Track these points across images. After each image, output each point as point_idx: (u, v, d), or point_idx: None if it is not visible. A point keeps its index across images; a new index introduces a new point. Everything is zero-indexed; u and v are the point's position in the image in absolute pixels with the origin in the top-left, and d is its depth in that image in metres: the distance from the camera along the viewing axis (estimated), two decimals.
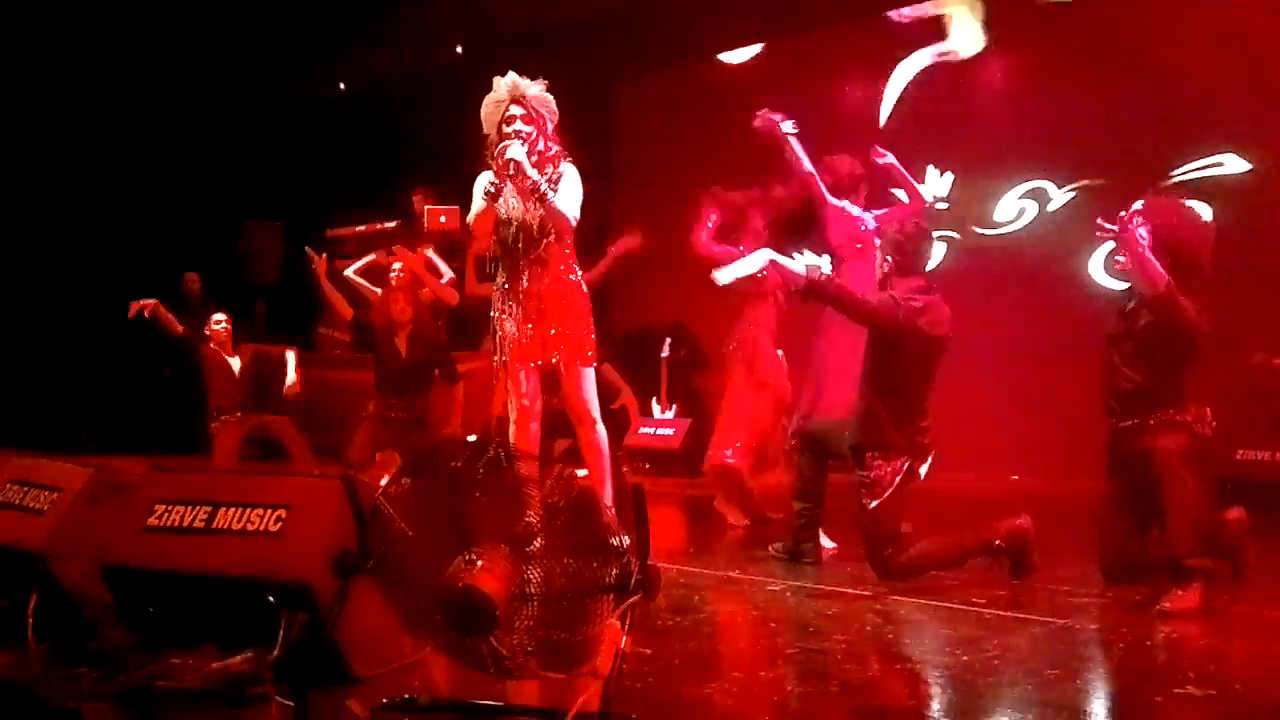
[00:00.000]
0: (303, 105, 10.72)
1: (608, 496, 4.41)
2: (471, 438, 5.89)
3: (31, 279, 9.27)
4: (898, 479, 4.46)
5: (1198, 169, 7.85)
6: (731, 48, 10.81)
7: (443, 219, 8.21)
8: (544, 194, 4.39)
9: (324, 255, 7.13)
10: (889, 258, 4.70)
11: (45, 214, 9.40)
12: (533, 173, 4.37)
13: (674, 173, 10.91)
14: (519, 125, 4.41)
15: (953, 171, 9.03)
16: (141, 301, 7.37)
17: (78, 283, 9.33)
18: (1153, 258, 4.01)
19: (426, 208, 8.59)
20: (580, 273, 4.69)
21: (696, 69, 11.19)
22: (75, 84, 9.46)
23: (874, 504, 4.45)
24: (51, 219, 9.43)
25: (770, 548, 5.12)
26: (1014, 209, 8.88)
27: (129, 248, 8.84)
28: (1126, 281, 4.39)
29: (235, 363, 7.67)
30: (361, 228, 8.95)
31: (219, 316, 7.82)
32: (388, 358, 6.76)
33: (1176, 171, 7.91)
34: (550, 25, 10.49)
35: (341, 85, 11.43)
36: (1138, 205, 4.10)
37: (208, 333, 7.72)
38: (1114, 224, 4.02)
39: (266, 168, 10.32)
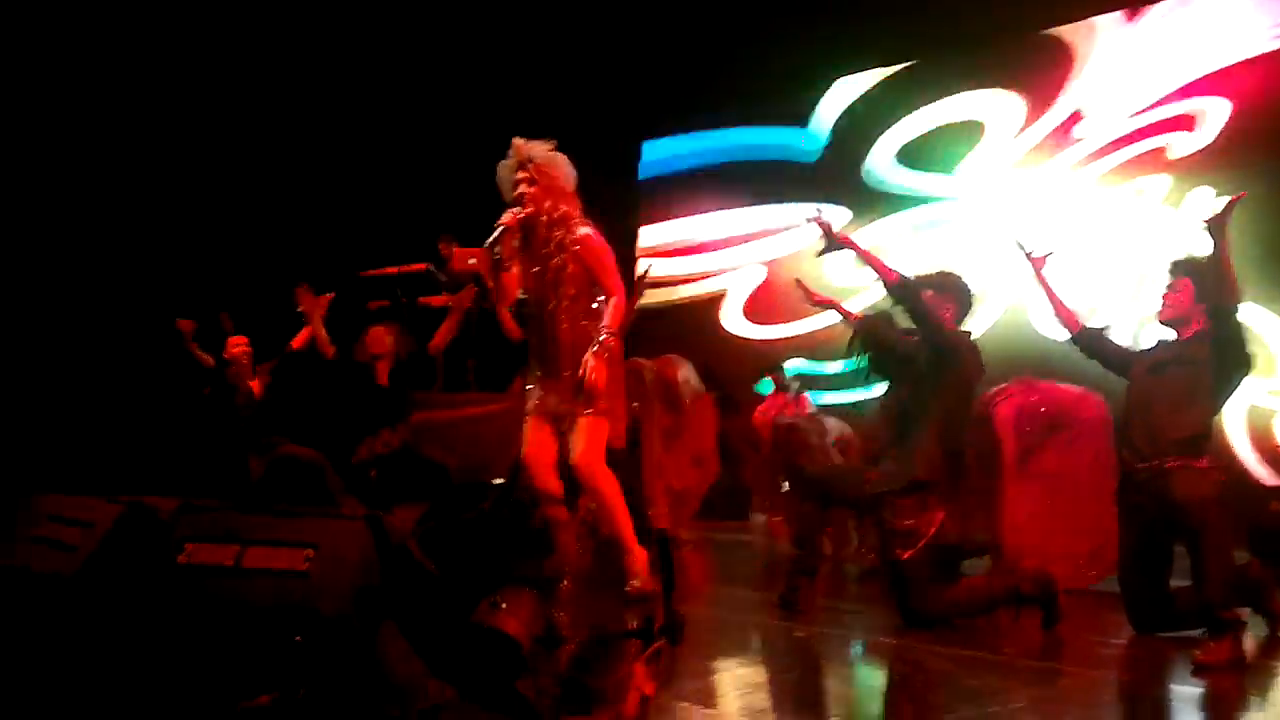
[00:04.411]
0: (336, 151, 10.84)
1: (629, 542, 4.36)
2: (498, 481, 5.86)
3: (63, 323, 9.36)
4: (932, 530, 4.41)
5: None
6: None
7: (471, 260, 8.28)
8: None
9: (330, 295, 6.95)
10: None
11: (77, 255, 9.51)
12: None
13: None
14: (523, 189, 4.35)
15: None
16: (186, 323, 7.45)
17: (112, 325, 9.42)
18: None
19: (455, 249, 8.67)
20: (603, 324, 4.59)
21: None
22: (101, 128, 9.61)
23: (908, 554, 4.38)
24: (84, 260, 9.54)
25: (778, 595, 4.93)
26: None
27: (159, 290, 8.91)
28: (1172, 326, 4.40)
29: (255, 386, 7.60)
30: (392, 269, 9.03)
31: (237, 339, 7.58)
32: (369, 388, 6.60)
33: None
34: (581, 75, 10.73)
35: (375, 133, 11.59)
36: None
37: (227, 357, 7.52)
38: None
39: (300, 211, 10.43)
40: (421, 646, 2.61)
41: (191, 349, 7.47)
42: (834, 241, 4.70)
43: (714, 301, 12.13)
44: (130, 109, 9.65)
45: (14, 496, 3.59)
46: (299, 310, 6.64)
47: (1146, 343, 4.71)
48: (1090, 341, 4.71)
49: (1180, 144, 9.00)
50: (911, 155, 10.82)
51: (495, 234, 4.27)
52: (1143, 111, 9.27)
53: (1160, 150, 9.11)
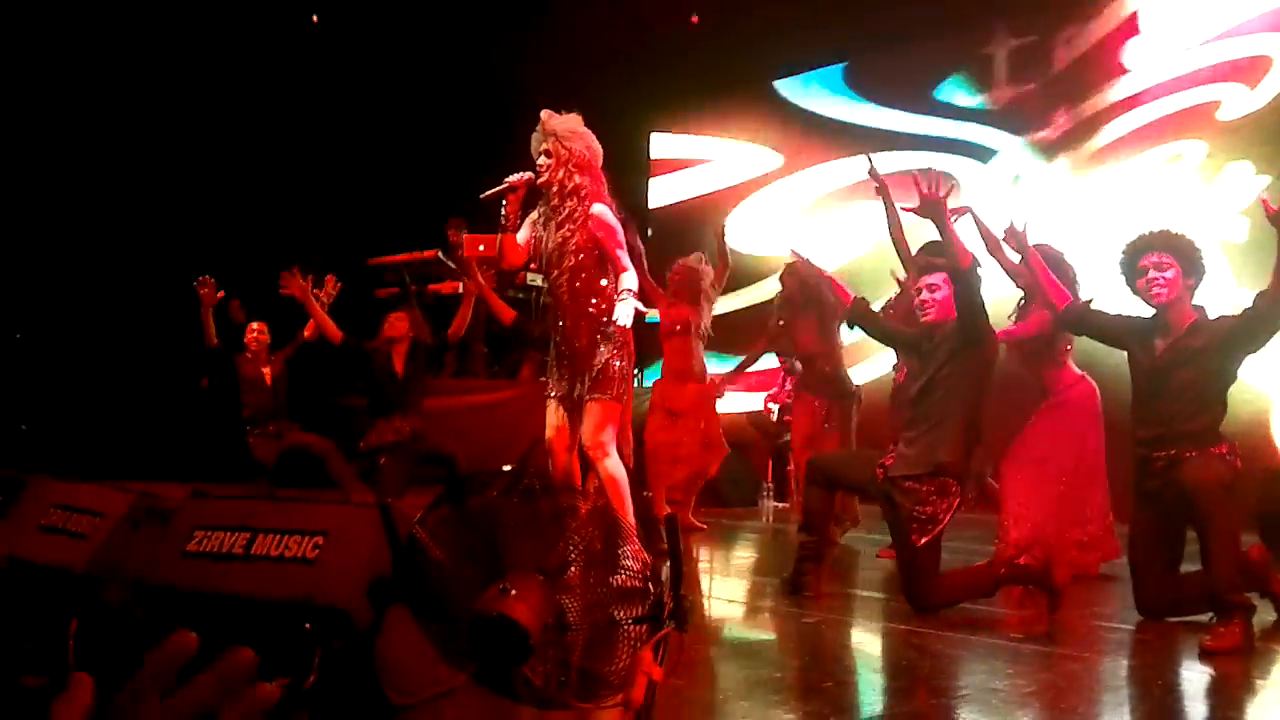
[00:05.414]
0: (344, 134, 10.84)
1: (628, 531, 4.35)
2: (507, 467, 5.87)
3: (71, 309, 9.38)
4: (948, 516, 4.39)
5: None
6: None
7: (481, 247, 8.26)
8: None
9: (311, 276, 6.93)
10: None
11: (87, 244, 9.53)
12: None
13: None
14: (542, 160, 4.44)
15: None
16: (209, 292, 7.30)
17: (119, 313, 9.44)
18: None
19: (464, 235, 8.66)
20: (614, 304, 4.61)
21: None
22: (114, 120, 9.61)
23: (924, 540, 4.35)
24: (93, 250, 9.55)
25: (782, 580, 4.91)
26: None
27: (170, 277, 8.93)
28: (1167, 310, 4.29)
29: (268, 373, 7.59)
30: (401, 256, 9.04)
31: (257, 324, 7.68)
32: (382, 374, 6.70)
33: None
34: (592, 64, 10.62)
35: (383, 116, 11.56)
36: None
37: (245, 340, 7.60)
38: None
39: (307, 197, 10.43)
40: (431, 633, 2.61)
41: (206, 321, 7.40)
42: (938, 208, 4.37)
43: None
44: (142, 101, 9.66)
45: (14, 481, 3.60)
46: (282, 293, 6.61)
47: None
48: (1078, 317, 4.65)
49: (1234, 101, 7.91)
50: (881, 79, 9.79)
51: (498, 188, 4.36)
52: (1201, 45, 7.98)
53: (1211, 106, 8.00)
